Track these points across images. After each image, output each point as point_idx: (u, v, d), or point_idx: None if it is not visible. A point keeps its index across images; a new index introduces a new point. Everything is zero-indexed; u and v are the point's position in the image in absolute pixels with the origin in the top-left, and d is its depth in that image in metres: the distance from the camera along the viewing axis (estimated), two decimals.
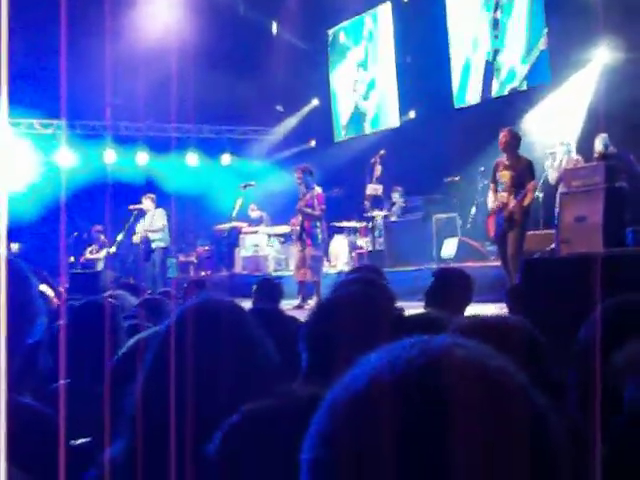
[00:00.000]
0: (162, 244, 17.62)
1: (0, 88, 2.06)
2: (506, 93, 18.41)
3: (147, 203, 17.78)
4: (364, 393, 0.94)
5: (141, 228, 17.74)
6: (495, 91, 18.77)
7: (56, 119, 21.63)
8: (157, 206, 17.86)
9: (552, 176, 14.41)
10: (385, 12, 22.27)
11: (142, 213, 17.92)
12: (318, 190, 14.46)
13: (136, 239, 17.92)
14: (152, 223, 17.65)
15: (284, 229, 19.23)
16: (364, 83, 23.48)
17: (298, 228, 14.46)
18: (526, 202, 11.00)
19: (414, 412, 0.90)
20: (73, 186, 19.68)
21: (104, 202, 18.50)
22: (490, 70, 18.92)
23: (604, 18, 15.13)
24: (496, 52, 18.74)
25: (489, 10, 18.98)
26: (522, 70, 17.88)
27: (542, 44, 17.28)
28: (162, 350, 2.11)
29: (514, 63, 18.09)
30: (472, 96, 19.48)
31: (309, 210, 14.26)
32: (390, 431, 0.90)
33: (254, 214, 20.79)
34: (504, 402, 0.92)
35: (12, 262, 2.35)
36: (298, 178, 14.54)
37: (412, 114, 21.21)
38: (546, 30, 17.12)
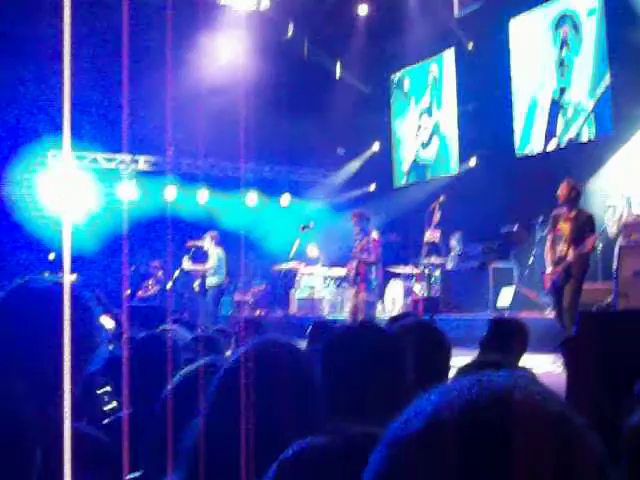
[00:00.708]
0: (214, 282, 17.72)
1: (64, 123, 2.11)
2: (571, 136, 18.28)
3: (207, 241, 17.91)
4: (424, 432, 0.94)
5: (186, 264, 17.84)
6: (560, 130, 18.64)
7: (119, 154, 21.91)
8: (216, 244, 17.96)
9: (612, 229, 14.28)
10: (449, 58, 22.34)
11: (200, 249, 18.04)
12: (374, 235, 14.46)
13: (197, 281, 18.07)
14: (206, 262, 17.78)
15: (340, 272, 19.21)
16: (427, 130, 23.50)
17: (353, 272, 14.46)
18: (584, 255, 10.89)
19: (477, 452, 0.89)
20: (133, 220, 19.89)
21: (163, 237, 18.66)
22: (556, 108, 18.84)
23: None
24: (562, 90, 18.68)
25: (556, 46, 18.96)
26: (587, 106, 17.77)
27: (604, 87, 17.23)
28: (224, 386, 2.14)
29: (581, 100, 18.00)
30: (535, 144, 19.40)
31: (364, 255, 14.25)
32: (451, 472, 0.90)
33: (313, 254, 20.81)
34: (566, 447, 0.92)
35: (76, 291, 2.40)
36: (354, 223, 14.55)
37: (473, 161, 21.16)
38: (609, 78, 17.08)
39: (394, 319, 6.33)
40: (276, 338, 2.35)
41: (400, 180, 24.70)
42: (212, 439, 2.09)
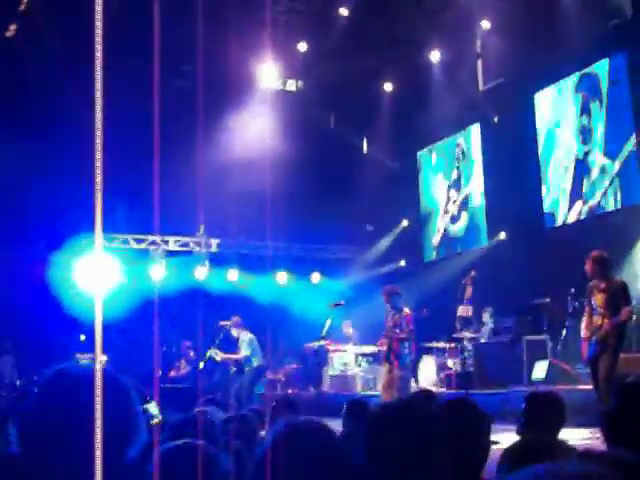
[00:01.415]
0: (255, 364, 17.63)
1: (96, 206, 2.14)
2: (600, 205, 18.26)
3: (233, 330, 17.82)
4: None
5: (219, 355, 17.80)
6: (588, 200, 18.61)
7: (150, 235, 22.08)
8: (244, 329, 17.89)
9: None
10: (475, 132, 22.46)
11: (227, 335, 17.99)
12: (407, 311, 14.40)
13: (232, 369, 18.02)
14: (237, 351, 17.72)
15: (372, 348, 19.12)
16: (455, 204, 23.55)
17: (385, 349, 14.38)
18: (619, 325, 10.78)
19: None
20: (164, 300, 19.95)
21: (194, 316, 18.68)
22: (580, 178, 18.87)
23: None
24: (586, 154, 18.72)
25: (578, 115, 19.07)
26: (613, 167, 17.78)
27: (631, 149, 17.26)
28: (259, 471, 2.13)
29: (604, 162, 18.03)
30: (563, 215, 19.38)
31: (397, 331, 14.19)
32: None
33: (348, 331, 20.74)
34: None
35: (113, 375, 2.40)
36: (385, 300, 14.51)
37: (502, 234, 21.14)
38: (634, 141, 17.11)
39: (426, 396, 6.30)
40: (305, 419, 2.34)
41: (430, 255, 24.70)
42: None
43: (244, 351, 17.59)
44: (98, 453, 2.01)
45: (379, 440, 2.68)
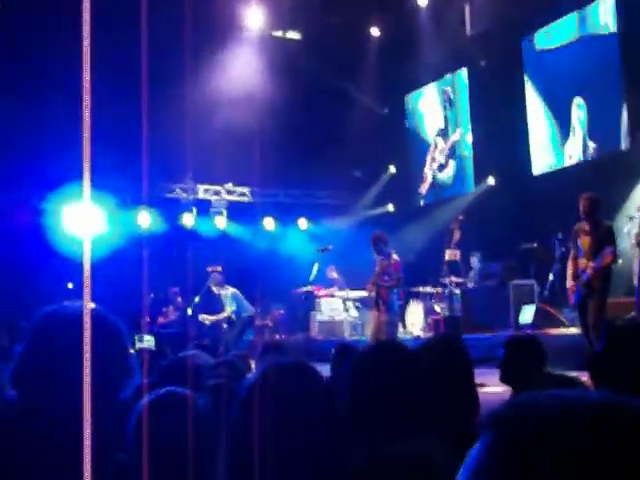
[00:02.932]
0: (246, 314, 17.74)
1: (84, 153, 2.12)
2: (589, 157, 18.30)
3: (214, 286, 17.88)
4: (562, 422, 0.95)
5: (206, 318, 17.90)
6: (575, 146, 18.66)
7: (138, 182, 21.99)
8: (224, 283, 17.92)
9: (631, 242, 14.22)
10: (462, 77, 22.40)
11: (209, 291, 18.08)
12: (395, 258, 14.39)
13: (224, 325, 18.12)
14: (223, 309, 17.80)
15: (360, 294, 19.16)
16: (443, 151, 23.51)
17: (374, 294, 14.41)
18: (604, 268, 10.79)
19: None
20: (151, 247, 19.93)
21: (182, 264, 18.69)
22: (568, 125, 18.92)
23: None
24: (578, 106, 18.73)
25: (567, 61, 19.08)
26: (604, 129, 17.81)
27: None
28: (243, 408, 2.15)
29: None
30: (551, 160, 19.41)
31: (386, 278, 14.21)
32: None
33: (332, 275, 20.78)
34: None
35: (107, 317, 2.41)
36: (373, 246, 14.52)
37: (491, 180, 21.16)
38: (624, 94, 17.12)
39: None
40: (291, 360, 2.35)
41: (418, 201, 24.71)
42: (234, 467, 2.09)
43: (229, 307, 17.69)
44: (87, 392, 2.01)
45: (362, 379, 2.71)
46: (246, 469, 2.04)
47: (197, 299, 18.36)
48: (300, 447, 2.09)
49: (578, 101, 18.51)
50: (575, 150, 18.66)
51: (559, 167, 19.14)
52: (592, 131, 18.19)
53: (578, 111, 18.53)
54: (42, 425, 2.22)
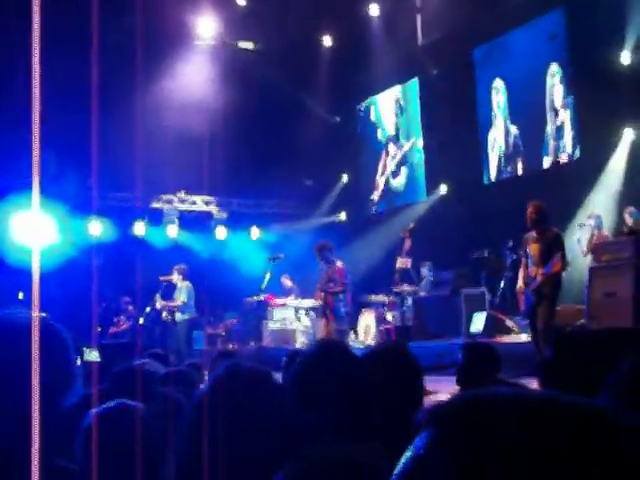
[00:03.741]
0: (186, 317, 17.72)
1: (33, 161, 2.10)
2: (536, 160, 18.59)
3: (175, 275, 17.90)
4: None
5: (159, 302, 17.87)
6: (525, 155, 18.98)
7: (88, 190, 21.80)
8: (184, 278, 17.95)
9: (582, 249, 14.37)
10: (414, 86, 22.51)
11: (171, 284, 18.03)
12: (339, 265, 14.46)
13: (164, 313, 18.04)
14: (176, 298, 17.79)
15: (312, 302, 19.17)
16: (395, 158, 23.61)
17: (322, 303, 14.46)
18: (553, 274, 10.89)
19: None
20: (103, 257, 19.81)
21: (133, 273, 18.58)
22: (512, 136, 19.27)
23: (634, 96, 15.28)
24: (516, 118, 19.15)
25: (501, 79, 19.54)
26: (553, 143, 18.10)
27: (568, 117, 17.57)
28: (197, 416, 2.13)
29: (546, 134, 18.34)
30: (500, 170, 19.61)
31: (331, 285, 14.25)
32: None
33: (287, 284, 20.76)
34: None
35: (51, 324, 2.38)
36: (317, 255, 14.58)
37: (442, 189, 21.28)
38: (572, 103, 17.37)
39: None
40: (244, 364, 2.35)
41: (371, 209, 24.77)
42: (187, 472, 2.08)
43: (182, 297, 17.67)
44: (36, 401, 1.99)
45: (303, 385, 2.70)
46: (195, 475, 2.03)
47: (148, 309, 18.26)
48: (250, 452, 2.08)
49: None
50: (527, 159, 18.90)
51: (511, 175, 19.32)
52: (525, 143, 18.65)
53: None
54: None
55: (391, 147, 23.79)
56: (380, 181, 24.23)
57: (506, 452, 0.92)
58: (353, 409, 2.58)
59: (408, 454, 1.00)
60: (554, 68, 17.98)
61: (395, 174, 23.60)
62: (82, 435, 2.65)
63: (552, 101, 18.06)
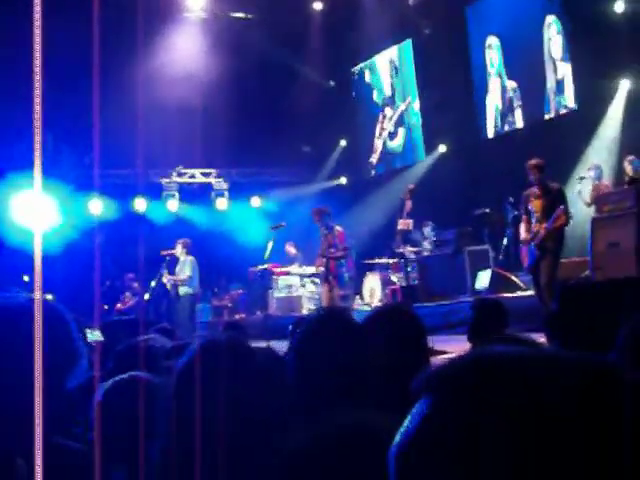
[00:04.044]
0: (190, 291, 17.73)
1: (35, 143, 2.09)
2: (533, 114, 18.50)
3: (179, 248, 17.89)
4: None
5: (166, 276, 17.88)
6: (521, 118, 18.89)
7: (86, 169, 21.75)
8: (188, 252, 17.95)
9: (584, 202, 14.33)
10: (408, 47, 22.39)
11: (174, 258, 18.02)
12: (339, 229, 14.44)
13: (169, 286, 18.06)
14: (179, 271, 17.80)
15: (315, 269, 19.20)
16: (391, 120, 23.54)
17: (323, 269, 14.45)
18: (557, 229, 10.90)
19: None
20: (105, 235, 19.80)
21: (135, 249, 18.56)
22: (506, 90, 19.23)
23: (629, 45, 15.20)
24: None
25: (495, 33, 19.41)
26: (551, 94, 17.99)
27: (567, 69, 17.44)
28: (183, 382, 2.13)
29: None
30: (498, 126, 19.54)
31: (332, 250, 14.24)
32: None
33: (291, 252, 20.77)
34: None
35: (52, 306, 2.37)
36: (316, 221, 14.55)
37: (441, 148, 21.22)
38: (569, 56, 17.24)
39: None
40: (228, 337, 2.34)
41: (370, 172, 24.73)
42: (181, 443, 2.08)
43: (187, 271, 17.68)
44: (38, 385, 1.99)
45: (303, 354, 2.70)
46: (183, 445, 2.02)
47: (153, 284, 18.25)
48: (238, 420, 2.07)
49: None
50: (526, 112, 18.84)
51: (507, 132, 19.27)
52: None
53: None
54: None
55: (387, 109, 23.70)
56: (378, 144, 24.17)
57: (512, 411, 0.91)
58: (353, 377, 2.58)
59: (410, 420, 0.98)
60: (550, 20, 17.75)
61: (392, 136, 23.54)
62: (94, 408, 2.67)
63: (550, 54, 17.85)
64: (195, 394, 2.01)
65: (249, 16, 23.41)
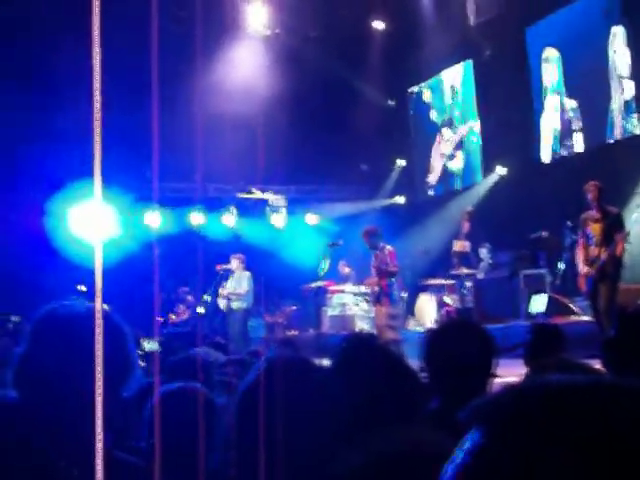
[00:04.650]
0: (244, 305, 17.84)
1: (95, 154, 2.10)
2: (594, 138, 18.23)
3: (235, 263, 18.01)
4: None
5: (225, 290, 18.00)
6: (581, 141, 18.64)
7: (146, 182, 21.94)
8: (245, 267, 18.06)
9: None
10: (468, 68, 22.33)
11: (228, 272, 18.12)
12: (389, 248, 14.42)
13: (221, 303, 18.16)
14: (237, 286, 17.89)
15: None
16: (450, 141, 23.48)
17: (377, 288, 14.43)
18: (617, 253, 10.81)
19: None
20: (161, 247, 19.92)
21: (191, 262, 18.66)
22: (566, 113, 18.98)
23: None
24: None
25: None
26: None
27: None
28: (248, 400, 2.14)
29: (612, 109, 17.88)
30: (557, 149, 19.38)
31: (383, 267, 14.22)
32: None
33: (344, 271, 20.79)
34: None
35: (109, 315, 2.39)
36: (366, 241, 14.57)
37: (500, 170, 21.08)
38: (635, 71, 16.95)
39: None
40: (290, 355, 2.34)
41: (427, 192, 24.68)
42: (240, 461, 2.08)
43: (245, 286, 17.81)
44: (99, 392, 2.00)
45: (348, 372, 2.70)
46: (249, 461, 2.02)
47: (208, 297, 18.33)
48: (299, 441, 2.07)
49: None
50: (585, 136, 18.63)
51: (566, 154, 19.08)
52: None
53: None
54: (44, 426, 2.20)
55: (445, 130, 23.64)
56: (436, 164, 24.11)
57: (583, 443, 0.88)
58: (399, 397, 2.58)
59: (463, 450, 0.95)
60: (615, 31, 17.29)
61: (451, 157, 23.47)
62: (147, 415, 2.69)
63: (615, 70, 17.38)
64: (259, 413, 2.02)
65: (310, 34, 23.49)
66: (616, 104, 17.48)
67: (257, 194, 24.41)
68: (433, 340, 3.53)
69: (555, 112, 19.40)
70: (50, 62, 19.04)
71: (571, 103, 18.79)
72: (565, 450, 0.87)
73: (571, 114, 18.85)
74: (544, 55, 19.51)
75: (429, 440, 1.91)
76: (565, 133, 19.11)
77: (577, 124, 18.69)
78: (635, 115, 16.98)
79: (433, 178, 24.31)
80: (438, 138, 23.94)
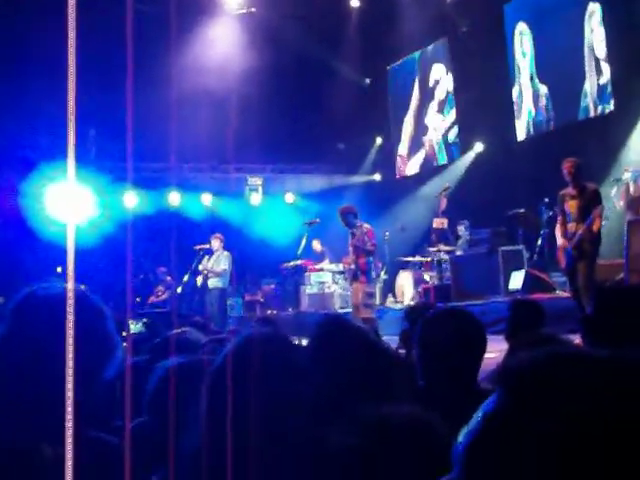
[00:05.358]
0: (219, 284, 17.84)
1: (69, 137, 2.08)
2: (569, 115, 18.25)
3: (215, 243, 17.99)
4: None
5: (203, 267, 17.98)
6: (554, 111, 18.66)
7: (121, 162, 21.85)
8: (224, 247, 18.04)
9: (619, 204, 14.22)
10: (444, 45, 22.31)
11: (208, 252, 18.08)
12: (367, 226, 14.40)
13: (198, 280, 18.15)
14: (215, 264, 17.87)
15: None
16: (427, 118, 23.48)
17: (353, 266, 14.42)
18: (594, 229, 10.83)
19: None
20: (138, 228, 19.84)
21: (168, 243, 18.62)
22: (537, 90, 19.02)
23: None
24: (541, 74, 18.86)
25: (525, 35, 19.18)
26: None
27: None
28: (216, 385, 2.13)
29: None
30: (534, 126, 19.40)
31: (361, 246, 14.21)
32: None
33: (318, 249, 20.82)
34: None
35: (87, 296, 2.37)
36: (342, 220, 14.55)
37: (477, 147, 21.11)
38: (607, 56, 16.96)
39: (414, 310, 6.52)
40: (264, 332, 2.34)
41: (405, 170, 24.68)
42: (212, 440, 2.08)
43: (223, 265, 17.80)
44: (70, 372, 1.98)
45: (321, 349, 2.71)
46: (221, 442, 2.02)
47: (186, 278, 18.31)
48: (276, 416, 2.07)
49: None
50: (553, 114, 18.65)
51: (544, 130, 19.12)
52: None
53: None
54: (22, 407, 2.19)
55: (424, 107, 23.63)
56: (414, 141, 24.11)
57: (589, 416, 0.88)
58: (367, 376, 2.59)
59: (478, 418, 0.96)
60: (593, 8, 17.21)
61: (428, 133, 23.46)
62: (150, 391, 2.71)
63: (592, 51, 17.34)
64: (227, 393, 2.02)
65: (285, 11, 23.39)
66: (591, 86, 17.46)
67: (234, 173, 24.36)
68: (425, 328, 3.56)
69: (528, 89, 19.41)
70: (24, 40, 18.89)
71: (544, 80, 18.79)
72: (560, 425, 0.88)
73: (544, 90, 18.86)
74: (517, 30, 19.51)
75: (422, 416, 1.92)
76: (539, 111, 19.14)
77: (550, 102, 18.71)
78: (612, 101, 16.97)
79: (410, 155, 24.29)
80: (415, 115, 23.92)
